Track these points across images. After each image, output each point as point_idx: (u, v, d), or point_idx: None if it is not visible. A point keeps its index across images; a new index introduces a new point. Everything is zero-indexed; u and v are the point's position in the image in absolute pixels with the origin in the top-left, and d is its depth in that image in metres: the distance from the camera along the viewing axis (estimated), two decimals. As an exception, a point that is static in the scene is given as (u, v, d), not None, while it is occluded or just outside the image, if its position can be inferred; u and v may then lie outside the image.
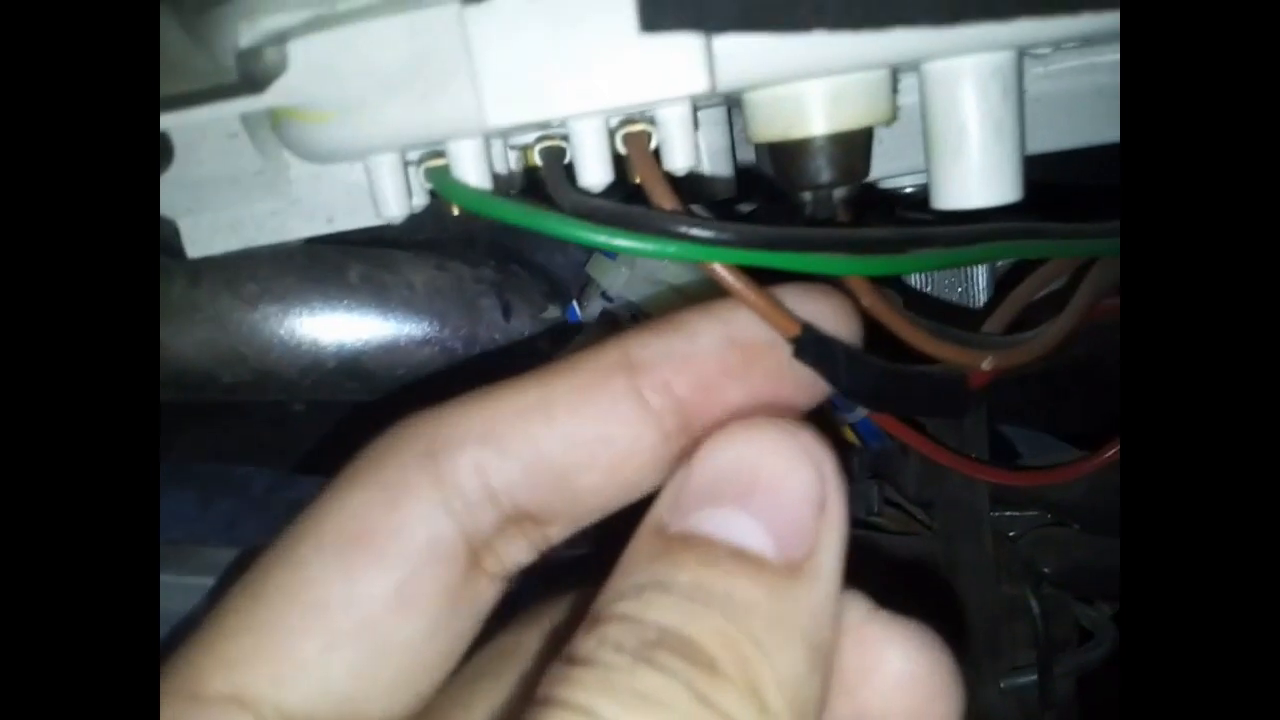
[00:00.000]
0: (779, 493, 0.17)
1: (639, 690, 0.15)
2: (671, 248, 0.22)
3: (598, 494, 0.20)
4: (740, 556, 0.17)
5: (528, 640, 0.20)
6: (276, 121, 0.24)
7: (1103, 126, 0.29)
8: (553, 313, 0.35)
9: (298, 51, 0.20)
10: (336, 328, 0.32)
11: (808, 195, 0.24)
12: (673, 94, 0.18)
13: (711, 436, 0.19)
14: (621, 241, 0.22)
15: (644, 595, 0.16)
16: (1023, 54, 0.24)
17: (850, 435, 0.37)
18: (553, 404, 0.20)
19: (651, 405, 0.20)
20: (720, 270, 0.23)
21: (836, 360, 0.22)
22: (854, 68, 0.21)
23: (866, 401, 0.25)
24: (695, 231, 0.22)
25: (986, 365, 0.27)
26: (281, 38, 0.20)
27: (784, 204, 0.29)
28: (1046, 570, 0.40)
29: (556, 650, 0.16)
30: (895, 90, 0.24)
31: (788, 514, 0.17)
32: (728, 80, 0.21)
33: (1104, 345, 0.46)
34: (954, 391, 0.26)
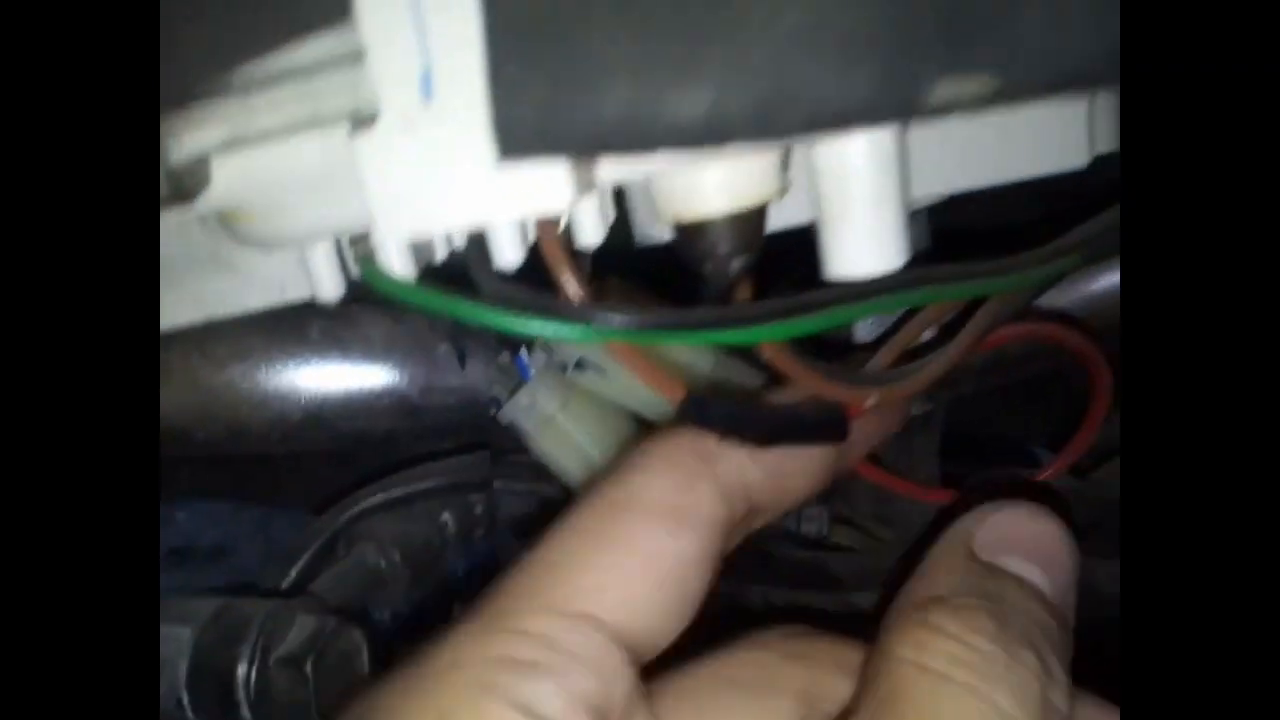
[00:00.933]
0: (1053, 555, 0.25)
1: (998, 671, 0.21)
2: (577, 332, 0.24)
3: (791, 501, 0.28)
4: (1038, 593, 0.24)
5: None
6: (222, 219, 0.27)
7: (984, 169, 0.30)
8: (506, 359, 0.36)
9: (219, 167, 0.22)
10: (299, 384, 0.34)
11: (707, 266, 0.26)
12: (539, 211, 0.20)
13: (997, 506, 0.26)
14: (538, 327, 0.24)
15: (974, 600, 0.23)
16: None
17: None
18: None
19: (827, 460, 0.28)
20: (616, 349, 0.25)
21: (716, 417, 0.26)
22: (734, 154, 0.23)
23: (754, 443, 0.28)
24: (596, 318, 0.24)
25: (870, 402, 0.30)
26: (203, 156, 0.22)
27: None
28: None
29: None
30: (786, 167, 0.25)
31: (1059, 571, 0.24)
32: (604, 179, 0.23)
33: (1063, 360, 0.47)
34: (835, 421, 0.29)
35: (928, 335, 0.36)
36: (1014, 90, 0.17)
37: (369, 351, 0.35)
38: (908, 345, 0.34)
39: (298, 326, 0.34)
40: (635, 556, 0.23)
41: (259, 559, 0.56)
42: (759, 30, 0.17)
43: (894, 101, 0.17)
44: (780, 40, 0.17)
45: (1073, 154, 0.32)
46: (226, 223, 0.25)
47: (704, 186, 0.24)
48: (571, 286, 0.25)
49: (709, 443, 0.25)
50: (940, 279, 0.30)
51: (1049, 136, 0.32)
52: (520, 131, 0.18)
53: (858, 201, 0.24)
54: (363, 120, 0.20)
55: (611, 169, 0.21)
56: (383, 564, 0.34)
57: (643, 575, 0.23)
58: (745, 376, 0.34)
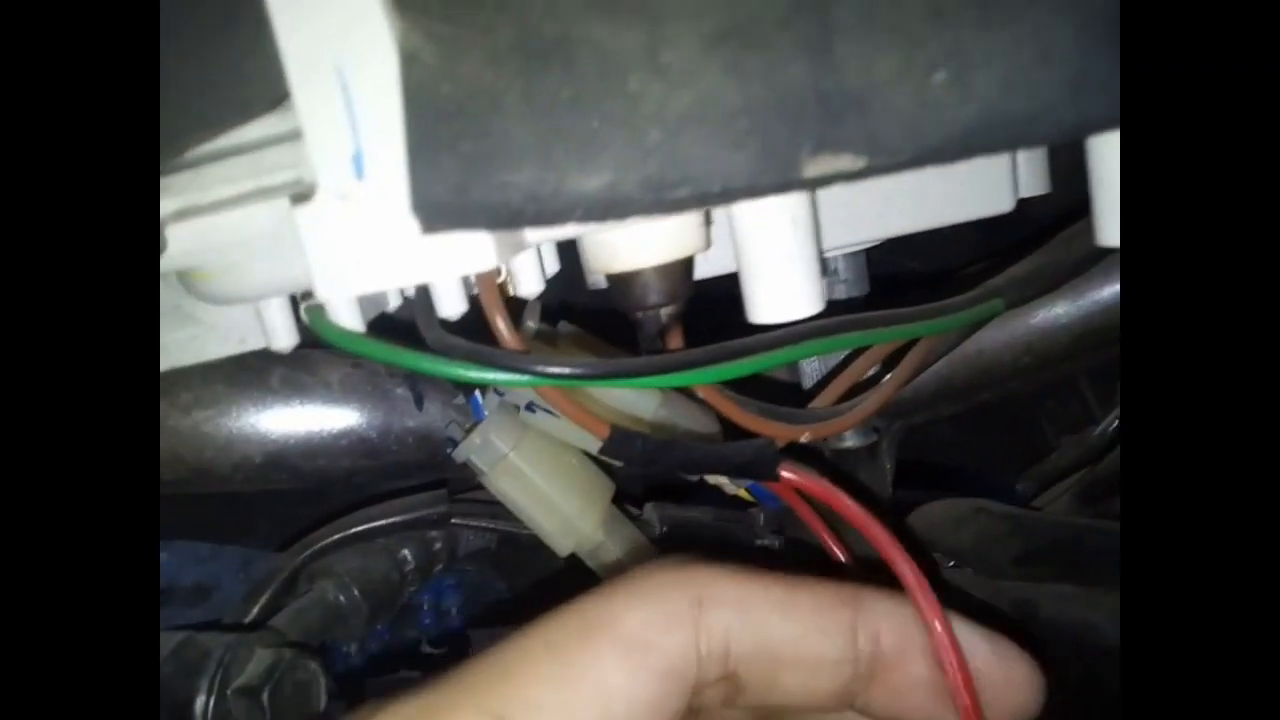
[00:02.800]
0: None
1: None
2: (510, 379, 0.26)
3: (786, 692, 0.24)
4: None
5: None
6: (181, 277, 0.28)
7: (913, 216, 0.32)
8: (461, 400, 0.38)
9: (174, 233, 0.24)
10: (261, 427, 0.35)
11: (639, 314, 0.28)
12: (466, 272, 0.21)
13: None
14: (475, 374, 0.26)
15: None
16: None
17: (746, 495, 0.40)
18: (794, 607, 0.23)
19: (860, 645, 0.23)
20: (549, 394, 0.27)
21: (636, 450, 0.28)
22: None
23: (673, 476, 0.29)
24: (530, 366, 0.26)
25: (805, 438, 0.32)
26: (162, 223, 0.24)
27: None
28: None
29: None
30: (708, 223, 0.27)
31: None
32: (533, 239, 0.25)
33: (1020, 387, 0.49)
34: (765, 455, 0.30)
35: (872, 372, 0.38)
36: (880, 166, 0.19)
37: (328, 395, 0.36)
38: (851, 384, 0.35)
39: (259, 373, 0.36)
40: (587, 686, 0.21)
41: (241, 598, 0.57)
42: (652, 114, 0.19)
43: (772, 177, 0.19)
44: (671, 123, 0.19)
45: (999, 199, 0.34)
46: (185, 281, 0.27)
47: (629, 243, 0.26)
48: (508, 336, 0.27)
49: (707, 587, 0.23)
50: (867, 324, 0.31)
51: (975, 183, 0.34)
52: (437, 208, 0.19)
53: (772, 256, 0.26)
54: (304, 192, 0.22)
55: (534, 233, 0.23)
56: (342, 599, 0.35)
57: (587, 706, 0.21)
58: (693, 417, 0.36)
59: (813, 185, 0.19)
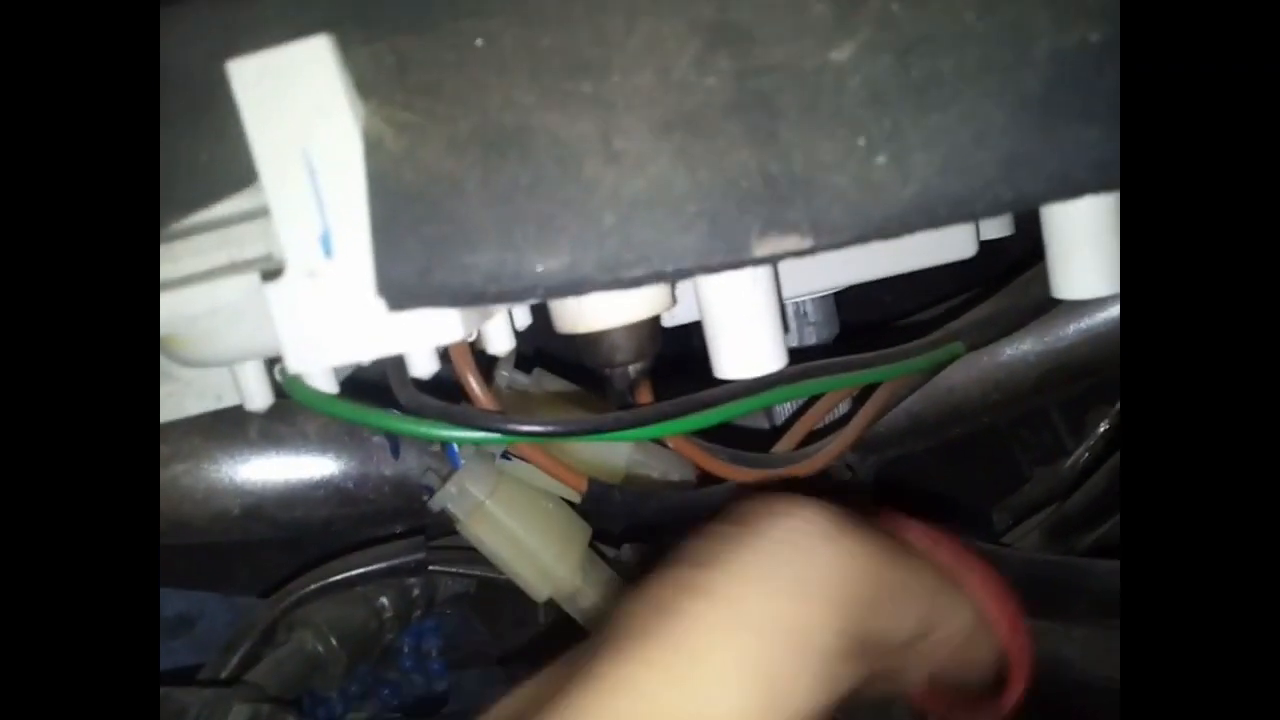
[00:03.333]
0: None
1: None
2: (483, 438, 0.27)
3: None
4: None
5: None
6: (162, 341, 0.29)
7: (880, 263, 0.33)
8: (438, 448, 0.39)
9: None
10: (239, 479, 0.36)
11: (607, 371, 0.28)
12: (435, 344, 0.22)
13: None
14: (448, 434, 0.27)
15: None
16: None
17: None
18: None
19: None
20: (524, 449, 0.28)
21: (615, 505, 0.30)
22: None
23: (650, 526, 0.31)
24: (503, 426, 0.26)
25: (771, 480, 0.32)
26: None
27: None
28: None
29: None
30: (673, 284, 0.28)
31: None
32: (497, 309, 0.26)
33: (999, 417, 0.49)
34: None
35: (838, 412, 0.39)
36: (825, 244, 0.20)
37: (305, 445, 0.37)
38: (811, 427, 0.36)
39: (237, 425, 0.36)
40: None
41: (225, 627, 0.57)
42: (606, 199, 0.20)
43: (722, 258, 0.19)
44: (624, 207, 0.20)
45: (962, 245, 0.35)
46: (164, 345, 0.27)
47: (596, 305, 0.27)
48: (481, 396, 0.28)
49: None
50: (828, 371, 0.32)
51: (938, 231, 0.35)
52: (402, 289, 0.20)
53: (734, 315, 0.27)
54: (274, 268, 0.22)
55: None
56: (320, 649, 0.36)
57: None
58: (667, 462, 0.36)
59: (762, 263, 0.20)
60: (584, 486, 0.29)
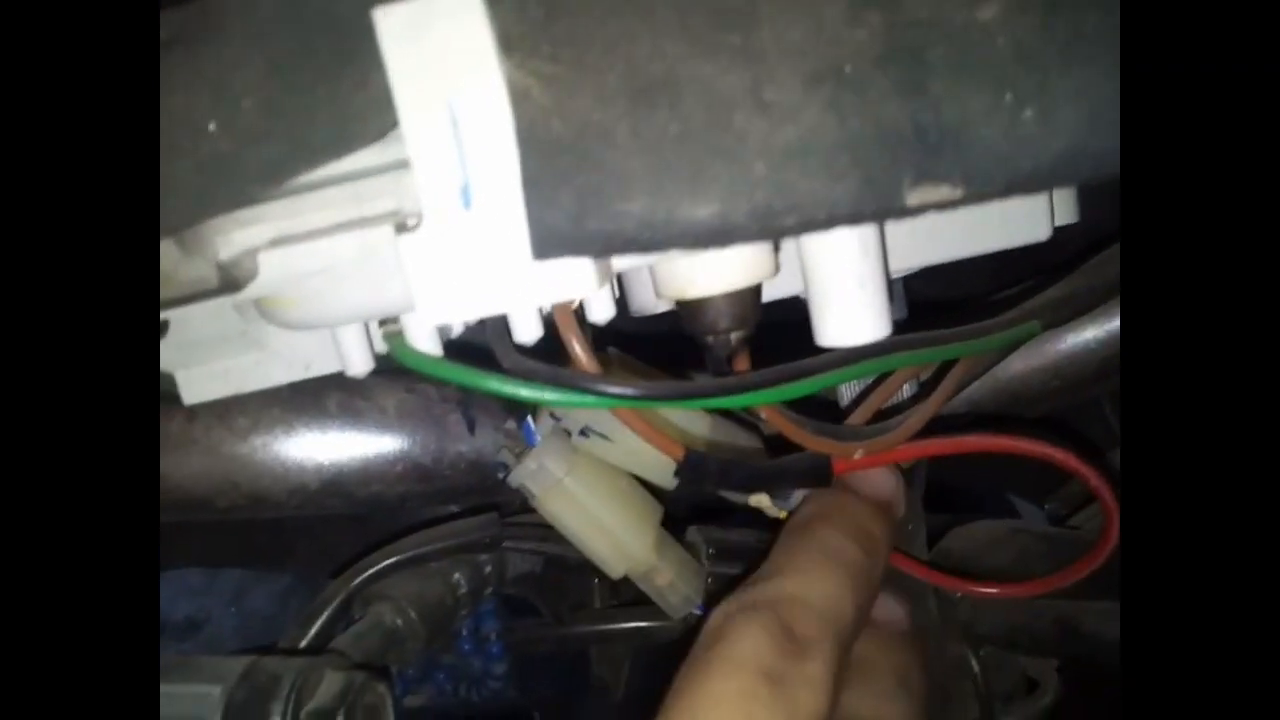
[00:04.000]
0: None
1: None
2: (594, 400, 0.27)
3: None
4: None
5: None
6: (260, 305, 0.29)
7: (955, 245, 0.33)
8: (513, 425, 0.39)
9: (266, 262, 0.24)
10: (318, 453, 0.36)
11: (709, 338, 0.28)
12: (567, 298, 0.22)
13: None
14: (556, 397, 0.27)
15: None
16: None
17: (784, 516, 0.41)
18: None
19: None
20: (625, 415, 0.28)
21: (710, 471, 0.30)
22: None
23: (746, 491, 0.31)
24: (609, 389, 0.26)
25: (857, 455, 0.33)
26: (252, 251, 0.25)
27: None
28: (984, 632, 0.44)
29: None
30: (777, 250, 0.28)
31: None
32: (622, 265, 0.26)
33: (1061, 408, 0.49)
34: (820, 469, 0.33)
35: (906, 393, 0.39)
36: (977, 195, 0.20)
37: (383, 421, 0.37)
38: (882, 404, 0.36)
39: (316, 398, 0.36)
40: None
41: (232, 631, 0.56)
42: (757, 149, 0.20)
43: (875, 207, 0.20)
44: (776, 157, 0.20)
45: (1037, 228, 0.35)
46: (265, 308, 0.27)
47: (703, 271, 0.27)
48: (586, 360, 0.28)
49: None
50: (914, 344, 0.32)
51: (1015, 214, 0.35)
52: (553, 236, 0.20)
53: (843, 281, 0.27)
54: (405, 222, 0.22)
55: (628, 259, 0.24)
56: (399, 622, 0.35)
57: None
58: (739, 435, 0.36)
59: (913, 213, 0.20)
60: (681, 454, 0.29)
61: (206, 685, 0.30)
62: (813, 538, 0.30)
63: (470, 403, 0.38)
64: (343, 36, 0.21)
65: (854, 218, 0.20)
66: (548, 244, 0.20)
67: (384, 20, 0.21)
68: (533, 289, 0.22)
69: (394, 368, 0.41)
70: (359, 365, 0.29)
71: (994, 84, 0.20)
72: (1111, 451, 0.54)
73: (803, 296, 0.30)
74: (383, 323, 0.29)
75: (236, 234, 0.24)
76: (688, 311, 0.28)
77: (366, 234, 0.23)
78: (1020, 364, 0.46)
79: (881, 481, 0.35)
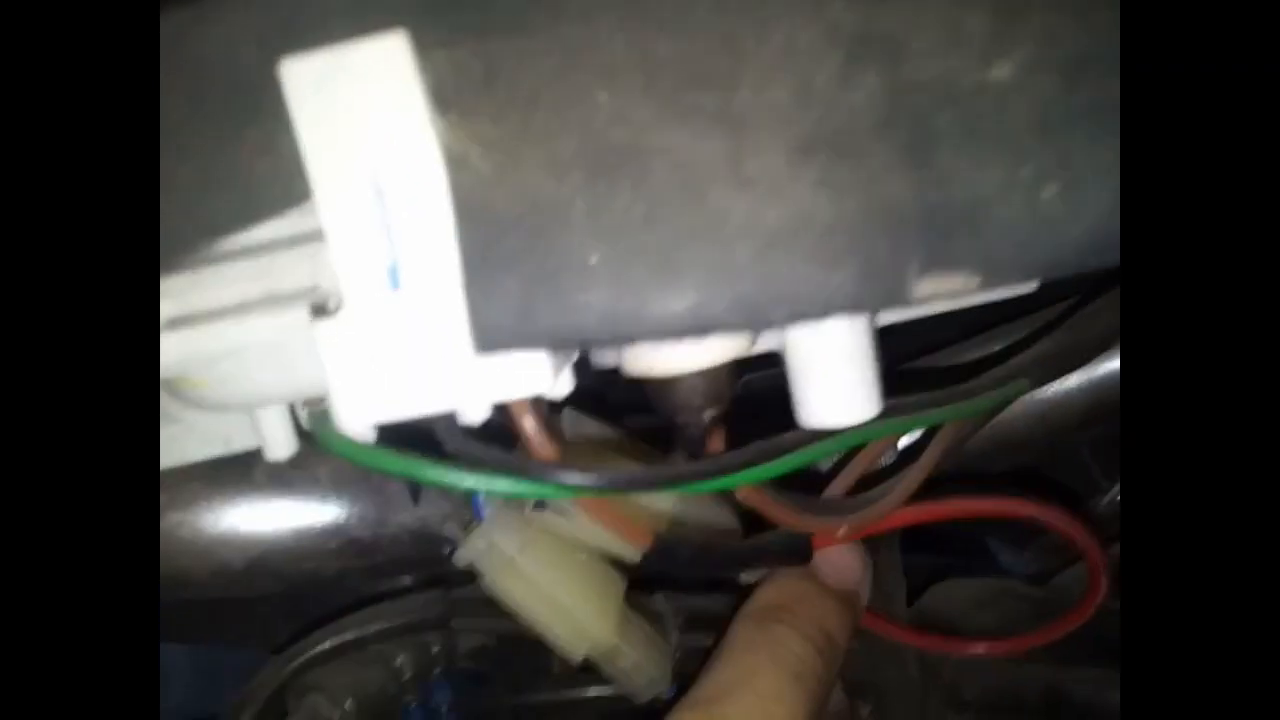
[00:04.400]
0: None
1: None
2: (551, 490, 0.24)
3: None
4: None
5: None
6: (168, 384, 0.25)
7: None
8: (460, 495, 0.35)
9: (164, 344, 0.21)
10: (243, 529, 0.32)
11: (681, 419, 0.25)
12: (519, 395, 0.19)
13: None
14: (502, 486, 0.24)
15: None
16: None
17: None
18: None
19: None
20: (586, 502, 0.25)
21: (682, 560, 0.28)
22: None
23: (720, 575, 0.29)
24: (568, 479, 0.23)
25: (840, 533, 0.31)
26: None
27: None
28: (969, 698, 0.41)
29: None
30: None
31: None
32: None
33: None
34: (800, 548, 0.31)
35: (886, 460, 0.36)
36: (994, 283, 0.17)
37: (317, 491, 0.33)
38: (864, 473, 0.34)
39: (241, 468, 0.33)
40: None
41: (186, 689, 0.52)
42: (738, 230, 0.17)
43: (877, 298, 0.17)
44: (760, 240, 0.17)
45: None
46: (174, 388, 0.24)
47: (673, 351, 0.24)
48: (540, 446, 0.24)
49: None
50: (900, 410, 0.30)
51: None
52: (499, 330, 0.17)
53: (829, 358, 0.24)
54: (323, 302, 0.19)
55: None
56: (335, 716, 0.32)
57: None
58: (709, 510, 0.34)
59: (921, 304, 0.17)
60: (648, 542, 0.26)
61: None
62: (769, 642, 0.29)
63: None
64: (244, 91, 0.18)
65: (853, 309, 0.17)
66: (492, 338, 0.17)
67: (292, 73, 0.17)
68: (475, 385, 0.19)
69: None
70: (280, 449, 0.25)
71: (1010, 154, 0.17)
72: (1093, 499, 0.52)
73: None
74: (307, 403, 0.25)
75: (129, 311, 0.21)
76: (656, 390, 0.25)
77: (279, 315, 0.20)
78: (1005, 413, 0.44)
79: (847, 568, 0.33)
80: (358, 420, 0.19)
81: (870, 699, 0.42)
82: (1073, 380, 0.44)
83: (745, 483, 0.26)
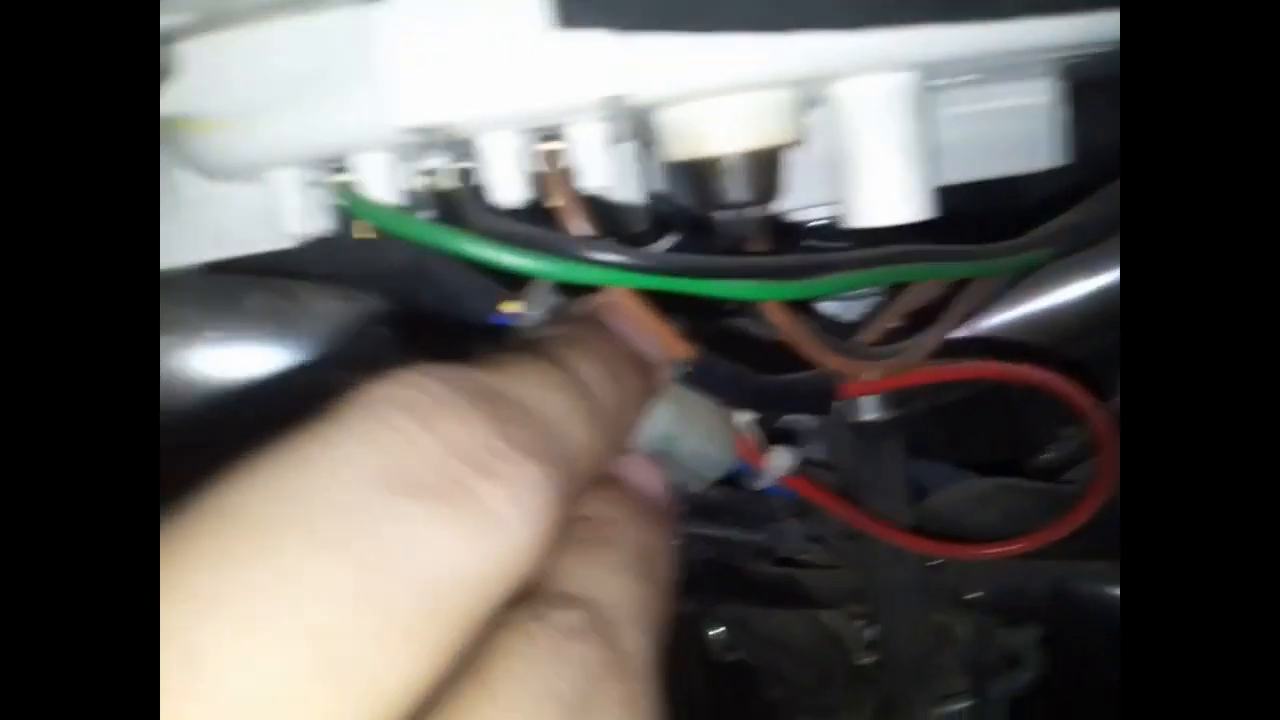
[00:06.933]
0: None
1: None
2: (585, 272, 0.22)
3: None
4: None
5: None
6: (168, 133, 0.23)
7: (998, 161, 0.31)
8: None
9: (188, 54, 0.19)
10: (234, 359, 0.30)
11: (722, 214, 0.24)
12: (585, 96, 0.18)
13: None
14: (533, 264, 0.22)
15: None
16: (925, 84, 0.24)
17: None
18: None
19: None
20: (628, 301, 0.23)
21: (720, 378, 0.26)
22: (764, 83, 0.21)
23: (748, 408, 0.27)
24: (611, 257, 0.22)
25: (868, 376, 0.29)
26: (167, 38, 0.19)
27: (700, 236, 0.30)
28: (972, 596, 0.41)
29: None
30: (803, 111, 0.24)
31: None
32: (641, 91, 0.21)
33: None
34: (823, 394, 0.29)
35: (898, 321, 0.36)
36: None
37: (311, 325, 0.31)
38: (897, 321, 0.33)
39: (232, 296, 0.30)
40: None
41: None
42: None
43: None
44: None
45: (1052, 153, 0.34)
46: (183, 135, 0.22)
47: (718, 122, 0.23)
48: (577, 220, 0.23)
49: None
50: (929, 257, 0.29)
51: (1027, 137, 0.33)
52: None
53: (887, 150, 0.23)
54: (375, -7, 0.17)
55: (644, 78, 0.19)
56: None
57: None
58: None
59: None
60: (688, 353, 0.24)
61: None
62: (553, 352, 0.19)
63: (405, 320, 0.33)
64: None
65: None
66: (576, 7, 0.16)
67: None
68: (543, 80, 0.17)
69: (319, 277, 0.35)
70: (296, 224, 0.24)
71: None
72: (1113, 398, 0.52)
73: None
74: (332, 172, 0.23)
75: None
76: (699, 177, 0.24)
77: (323, 15, 0.18)
78: (1003, 320, 0.44)
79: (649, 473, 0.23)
80: (414, 115, 0.18)
81: (870, 603, 0.41)
82: (1073, 288, 0.43)
83: (788, 296, 0.25)
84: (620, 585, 0.19)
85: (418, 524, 0.14)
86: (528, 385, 0.18)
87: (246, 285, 0.31)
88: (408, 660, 0.14)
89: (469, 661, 0.15)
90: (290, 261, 0.31)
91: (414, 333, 0.33)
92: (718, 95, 0.22)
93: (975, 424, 0.55)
